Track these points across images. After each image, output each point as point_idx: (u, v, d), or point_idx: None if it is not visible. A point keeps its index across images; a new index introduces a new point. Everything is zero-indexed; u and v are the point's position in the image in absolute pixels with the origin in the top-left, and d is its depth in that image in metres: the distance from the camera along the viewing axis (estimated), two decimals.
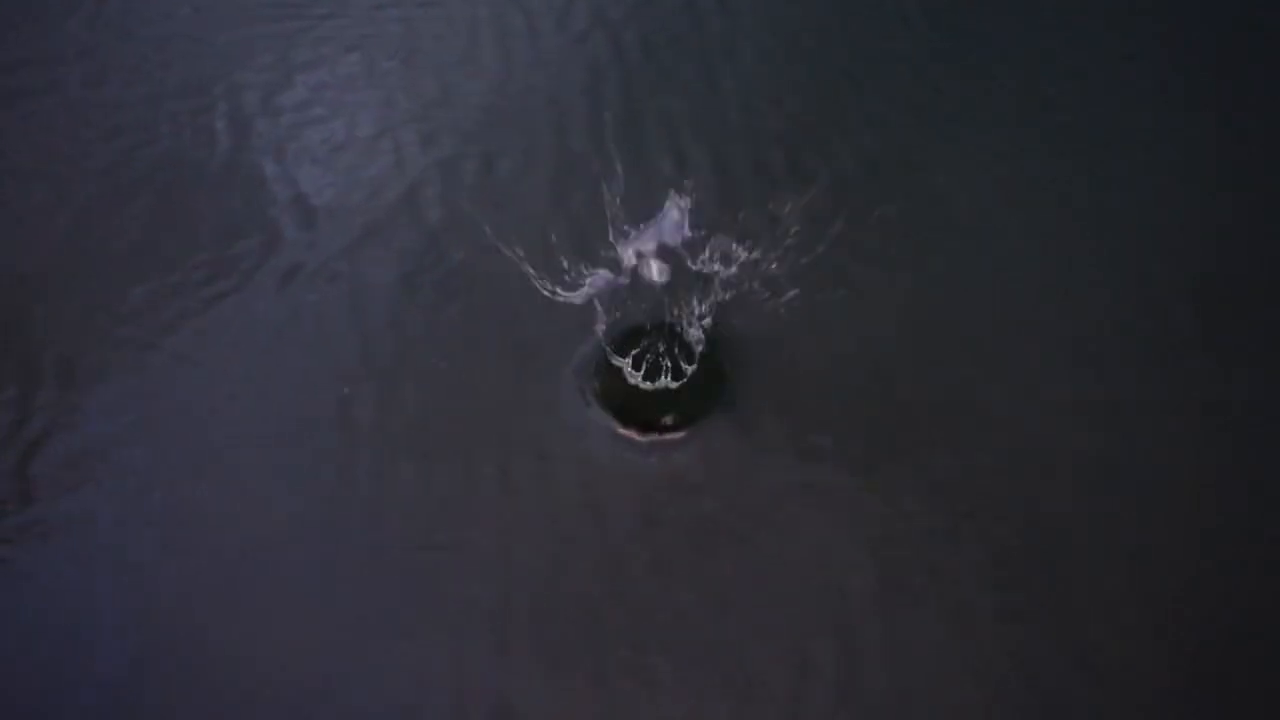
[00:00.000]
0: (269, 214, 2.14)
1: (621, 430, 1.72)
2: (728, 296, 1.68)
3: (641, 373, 1.73)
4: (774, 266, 1.71)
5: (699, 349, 1.73)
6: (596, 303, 1.62)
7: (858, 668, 1.47)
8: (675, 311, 1.72)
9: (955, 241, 2.03)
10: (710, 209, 1.89)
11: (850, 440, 1.72)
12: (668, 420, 1.72)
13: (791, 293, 1.72)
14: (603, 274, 1.57)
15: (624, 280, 1.57)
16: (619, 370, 1.74)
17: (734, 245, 1.62)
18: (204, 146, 2.29)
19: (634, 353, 1.73)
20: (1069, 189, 2.13)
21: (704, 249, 1.60)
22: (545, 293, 1.61)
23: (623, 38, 2.46)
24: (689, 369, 1.73)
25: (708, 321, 1.71)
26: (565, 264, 1.64)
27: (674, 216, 1.52)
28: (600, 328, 1.69)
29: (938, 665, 1.47)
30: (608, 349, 1.73)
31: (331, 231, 2.11)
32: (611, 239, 1.57)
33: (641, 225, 1.55)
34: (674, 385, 1.73)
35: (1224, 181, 2.14)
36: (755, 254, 1.66)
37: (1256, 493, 1.65)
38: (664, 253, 1.55)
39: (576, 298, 1.59)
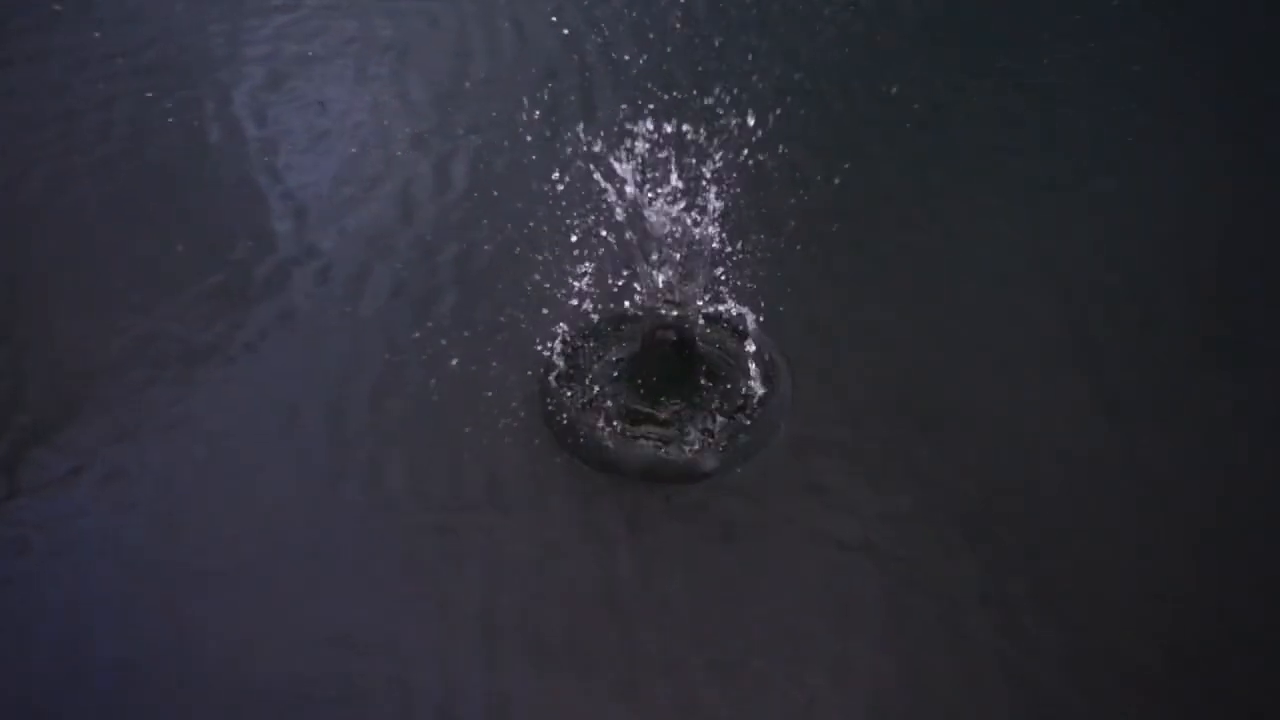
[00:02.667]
0: (249, 205, 2.12)
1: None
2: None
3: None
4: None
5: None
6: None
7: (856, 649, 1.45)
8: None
9: (962, 251, 2.04)
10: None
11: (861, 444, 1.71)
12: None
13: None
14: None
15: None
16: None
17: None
18: (180, 135, 2.28)
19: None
20: (1071, 199, 2.13)
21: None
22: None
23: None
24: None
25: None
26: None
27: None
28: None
29: (933, 658, 1.46)
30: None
31: (315, 224, 2.09)
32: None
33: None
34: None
35: (1227, 188, 2.14)
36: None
37: (1257, 492, 1.64)
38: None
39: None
